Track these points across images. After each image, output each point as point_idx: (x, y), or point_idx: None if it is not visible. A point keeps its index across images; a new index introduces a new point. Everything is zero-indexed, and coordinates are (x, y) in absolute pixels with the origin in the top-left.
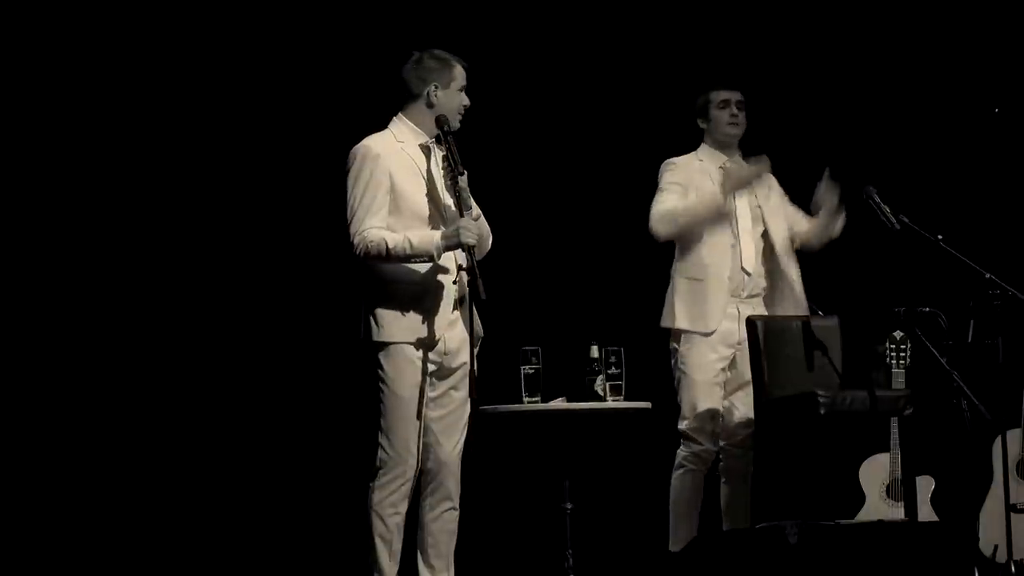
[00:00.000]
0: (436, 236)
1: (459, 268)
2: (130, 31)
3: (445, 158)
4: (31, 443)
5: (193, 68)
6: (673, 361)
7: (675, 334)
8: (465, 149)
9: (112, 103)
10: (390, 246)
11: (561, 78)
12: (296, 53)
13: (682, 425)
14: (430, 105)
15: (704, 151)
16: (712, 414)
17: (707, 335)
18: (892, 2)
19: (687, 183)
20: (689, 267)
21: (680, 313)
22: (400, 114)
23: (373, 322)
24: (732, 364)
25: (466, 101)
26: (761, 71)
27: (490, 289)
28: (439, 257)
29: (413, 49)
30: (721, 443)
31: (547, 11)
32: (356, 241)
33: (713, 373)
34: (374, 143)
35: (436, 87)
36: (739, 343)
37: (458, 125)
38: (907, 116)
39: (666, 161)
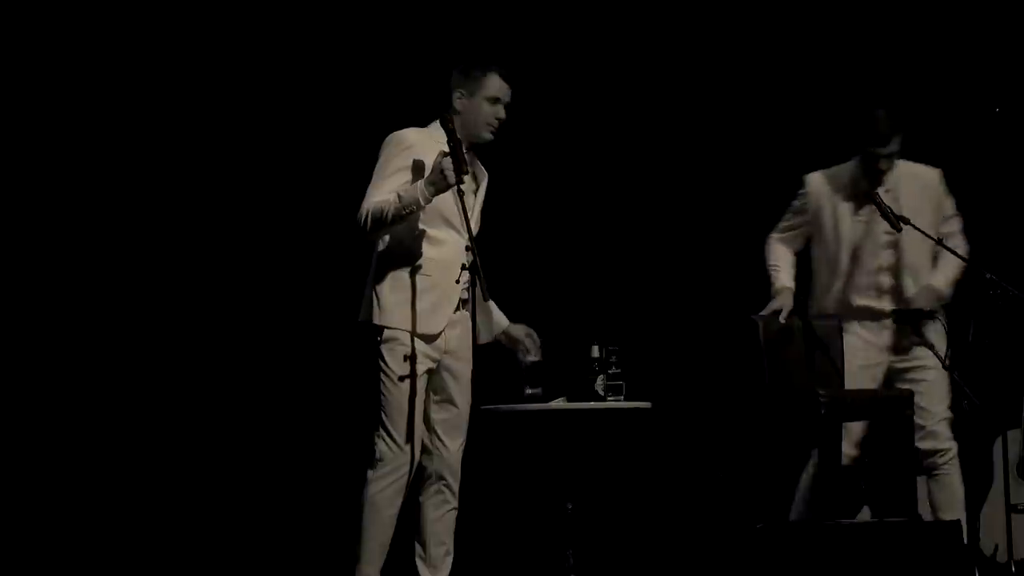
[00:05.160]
0: (421, 183)
1: (462, 267)
2: (136, 30)
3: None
4: (25, 436)
5: (195, 63)
6: None
7: None
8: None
9: (109, 99)
10: (384, 207)
11: (561, 79)
12: (315, 49)
13: None
14: (457, 112)
15: (848, 174)
16: None
17: None
18: (892, 2)
19: (813, 220)
20: None
21: None
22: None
23: (376, 306)
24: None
25: (500, 114)
26: (762, 70)
27: (491, 289)
28: (425, 202)
29: (455, 57)
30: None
31: (549, 13)
32: (358, 216)
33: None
34: (410, 133)
35: (461, 95)
36: None
37: (489, 136)
38: (907, 116)
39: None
